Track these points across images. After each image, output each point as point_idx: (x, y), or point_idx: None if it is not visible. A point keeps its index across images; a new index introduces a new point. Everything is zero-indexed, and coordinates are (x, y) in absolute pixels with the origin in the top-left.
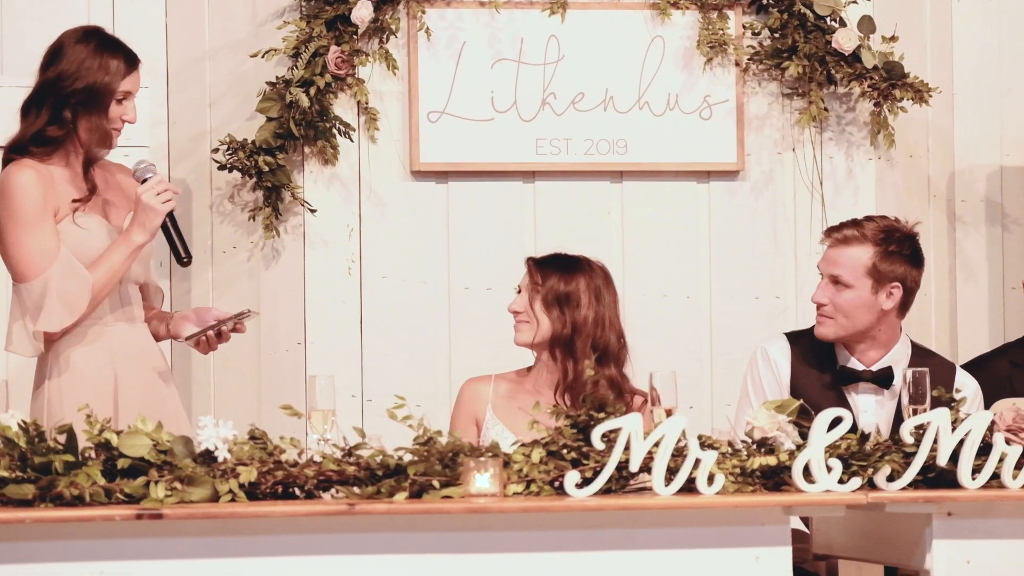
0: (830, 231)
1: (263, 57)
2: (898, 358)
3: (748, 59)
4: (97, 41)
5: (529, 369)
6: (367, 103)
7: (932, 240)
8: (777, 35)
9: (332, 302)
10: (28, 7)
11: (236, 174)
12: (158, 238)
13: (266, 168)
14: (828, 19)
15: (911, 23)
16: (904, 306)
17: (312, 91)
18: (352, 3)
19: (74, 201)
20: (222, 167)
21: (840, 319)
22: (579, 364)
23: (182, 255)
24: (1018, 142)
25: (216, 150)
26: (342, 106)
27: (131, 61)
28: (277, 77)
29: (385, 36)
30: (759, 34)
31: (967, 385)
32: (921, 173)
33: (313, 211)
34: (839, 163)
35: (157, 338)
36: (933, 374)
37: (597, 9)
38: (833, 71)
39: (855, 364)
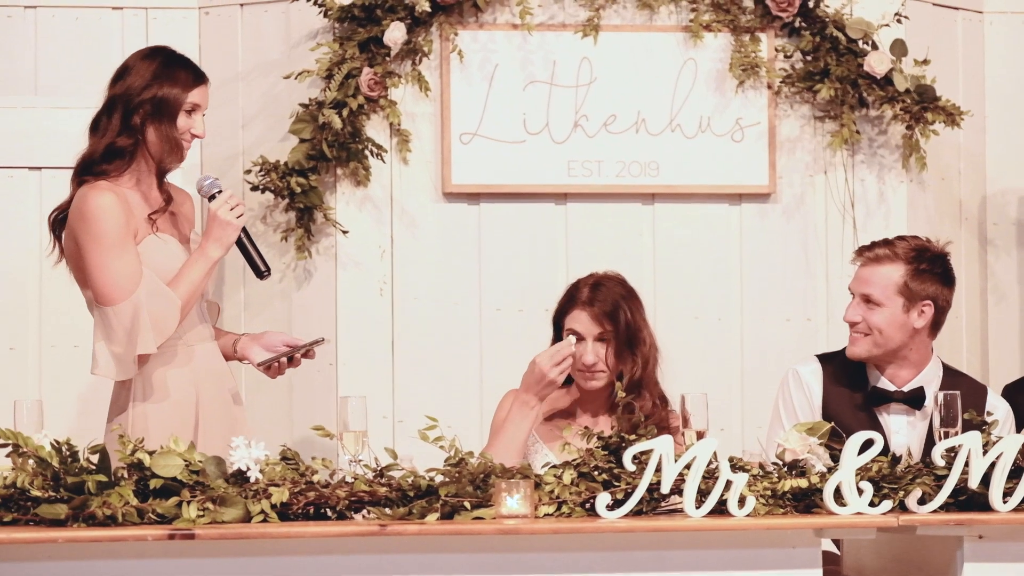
0: (862, 250)
1: (296, 78)
2: (929, 379)
3: (780, 82)
4: (164, 57)
5: (567, 390)
6: (399, 125)
7: (964, 263)
8: (809, 58)
9: (364, 323)
10: (62, 30)
11: (268, 195)
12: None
13: (298, 189)
14: (860, 42)
15: (943, 46)
16: (936, 325)
17: (345, 112)
18: (385, 25)
19: (151, 215)
20: (255, 188)
21: (874, 337)
22: (644, 394)
23: (261, 268)
24: None
25: (249, 171)
26: (374, 127)
27: (199, 75)
28: (310, 99)
29: (418, 58)
30: (791, 57)
31: (998, 408)
32: (953, 196)
33: (345, 232)
34: (871, 186)
35: (226, 358)
36: (964, 396)
37: (630, 31)
38: (865, 94)
39: (886, 385)
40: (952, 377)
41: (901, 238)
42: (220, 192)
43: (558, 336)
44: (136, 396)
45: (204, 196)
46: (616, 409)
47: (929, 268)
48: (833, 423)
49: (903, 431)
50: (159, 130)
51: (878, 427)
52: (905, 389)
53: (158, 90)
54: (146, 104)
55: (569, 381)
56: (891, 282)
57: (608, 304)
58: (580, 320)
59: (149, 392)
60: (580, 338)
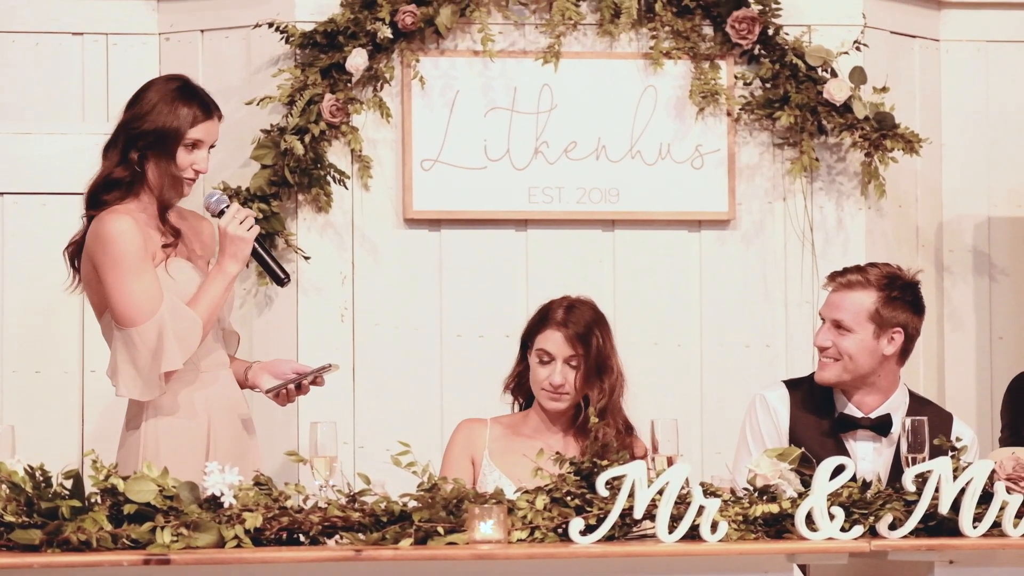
0: (834, 275)
1: (258, 104)
2: (896, 405)
3: (740, 109)
4: (176, 86)
5: (524, 414)
6: (361, 151)
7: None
8: (769, 85)
9: (325, 349)
10: (22, 57)
11: None
12: None
13: (260, 215)
14: (819, 70)
15: (901, 74)
16: (904, 352)
17: (307, 139)
18: (347, 51)
19: (164, 247)
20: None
21: (843, 363)
22: (608, 420)
23: (280, 275)
24: (1005, 193)
25: None
26: (336, 154)
27: (205, 110)
28: (272, 124)
29: (379, 84)
30: (751, 84)
31: (965, 434)
32: (910, 223)
33: (307, 258)
34: (829, 213)
35: (240, 386)
36: (931, 423)
37: (590, 58)
38: (824, 121)
39: (853, 411)
40: (919, 404)
41: (873, 265)
42: (228, 207)
43: (523, 355)
44: (148, 415)
45: (212, 214)
46: (577, 430)
47: (900, 296)
48: (803, 449)
49: (869, 457)
50: (158, 165)
51: (845, 453)
52: (872, 416)
53: (159, 122)
54: (147, 136)
55: (530, 403)
56: (863, 308)
57: (581, 327)
58: (552, 340)
59: (162, 411)
60: (551, 359)
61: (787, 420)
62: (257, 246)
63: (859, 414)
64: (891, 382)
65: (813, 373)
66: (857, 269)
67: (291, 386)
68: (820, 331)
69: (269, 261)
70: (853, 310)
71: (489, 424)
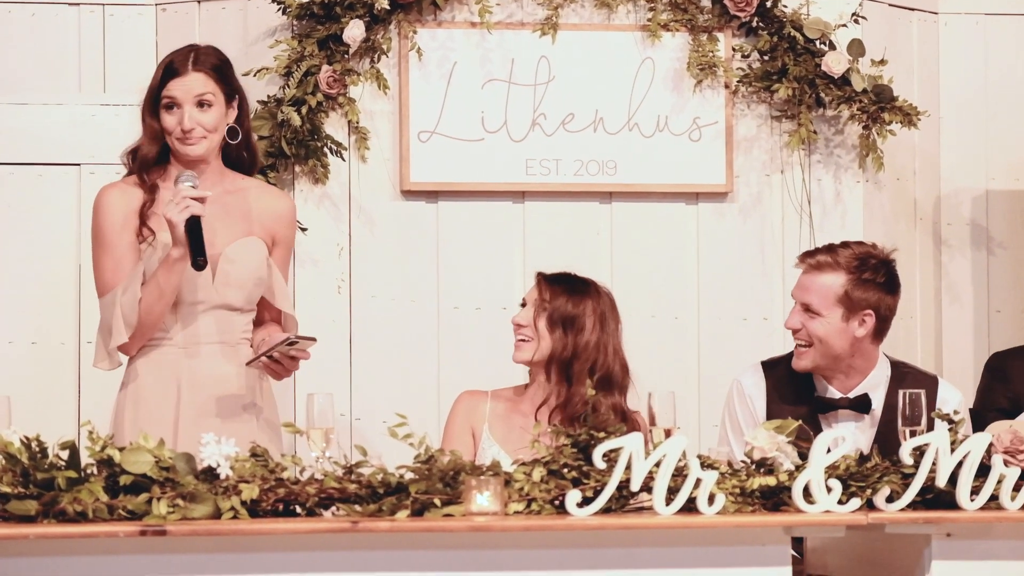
0: (804, 256)
1: (255, 76)
2: (876, 383)
3: (738, 81)
4: (173, 51)
5: (526, 387)
6: (358, 122)
7: (918, 263)
8: (767, 57)
9: (321, 321)
10: (18, 27)
11: None
12: None
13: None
14: (818, 42)
15: (899, 47)
16: (879, 332)
17: (304, 110)
18: (344, 23)
19: (141, 209)
20: None
21: (816, 347)
22: (573, 387)
23: (196, 259)
24: (1003, 166)
25: None
26: (333, 125)
27: (176, 69)
28: (269, 96)
29: (376, 56)
30: (748, 56)
31: (950, 399)
32: (908, 196)
33: (304, 230)
34: (827, 185)
35: None
36: (915, 388)
37: (588, 30)
38: (822, 94)
39: (832, 393)
40: (899, 377)
41: (845, 245)
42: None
43: None
44: (122, 386)
45: None
46: (551, 411)
47: (872, 277)
48: (800, 422)
49: (851, 436)
50: (153, 127)
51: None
52: (851, 396)
53: (150, 85)
54: (147, 101)
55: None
56: (831, 292)
57: (561, 283)
58: (530, 291)
59: (129, 382)
60: (523, 306)
61: (763, 406)
62: (187, 227)
63: (838, 395)
64: (868, 361)
65: (791, 354)
66: (828, 249)
67: (264, 359)
68: (791, 313)
69: (190, 243)
70: (821, 293)
71: (490, 396)
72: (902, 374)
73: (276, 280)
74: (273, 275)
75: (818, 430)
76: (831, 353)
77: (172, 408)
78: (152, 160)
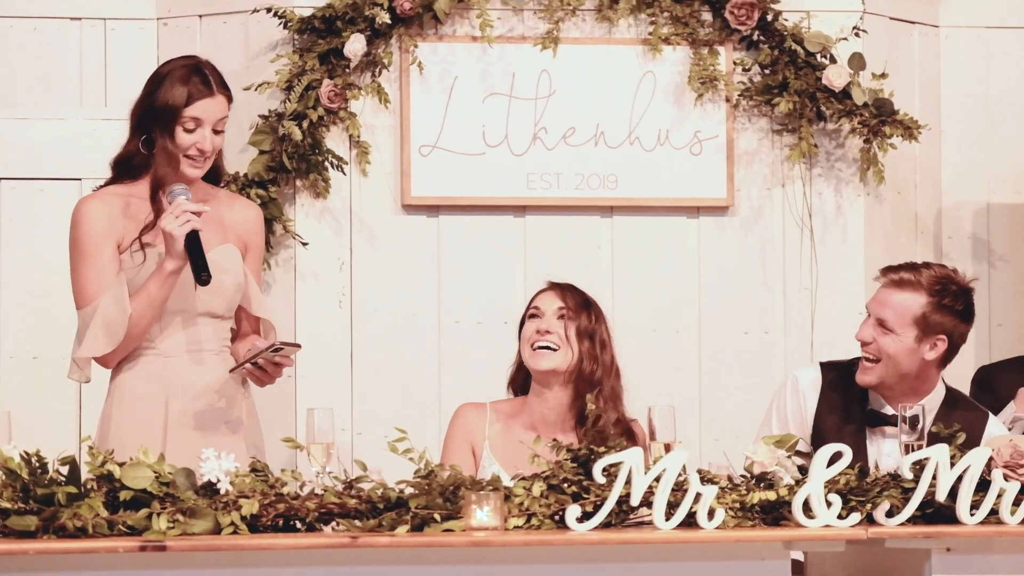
0: (887, 271)
1: (256, 90)
2: (930, 407)
3: (739, 95)
4: (183, 65)
5: (523, 400)
6: (359, 137)
7: None
8: (768, 71)
9: (322, 335)
10: (19, 41)
11: None
12: None
13: (258, 201)
14: (819, 56)
15: (900, 60)
16: (946, 359)
17: (305, 124)
18: (345, 37)
19: (143, 230)
20: None
21: (884, 363)
22: (608, 405)
23: (201, 274)
24: (1004, 179)
25: None
26: (334, 139)
27: (205, 89)
28: (270, 110)
29: (377, 70)
30: (750, 70)
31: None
32: (909, 210)
33: (305, 244)
34: (828, 199)
35: None
36: (963, 422)
37: (589, 44)
38: (823, 107)
39: (887, 409)
40: (952, 400)
41: (927, 265)
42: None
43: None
44: (108, 399)
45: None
46: (577, 423)
47: (951, 304)
48: (800, 437)
49: (895, 455)
50: (162, 142)
51: (864, 446)
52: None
53: (161, 99)
54: (152, 113)
55: (525, 390)
56: (909, 311)
57: (574, 290)
58: (543, 299)
59: (115, 394)
60: (540, 313)
61: (815, 405)
62: (187, 241)
63: (890, 411)
64: (929, 384)
65: (854, 362)
66: (911, 267)
67: (248, 366)
68: (863, 324)
69: (194, 258)
70: (899, 310)
71: (489, 409)
72: (955, 400)
73: (252, 287)
74: (249, 282)
75: (860, 441)
76: (898, 372)
77: (160, 415)
78: (141, 172)
